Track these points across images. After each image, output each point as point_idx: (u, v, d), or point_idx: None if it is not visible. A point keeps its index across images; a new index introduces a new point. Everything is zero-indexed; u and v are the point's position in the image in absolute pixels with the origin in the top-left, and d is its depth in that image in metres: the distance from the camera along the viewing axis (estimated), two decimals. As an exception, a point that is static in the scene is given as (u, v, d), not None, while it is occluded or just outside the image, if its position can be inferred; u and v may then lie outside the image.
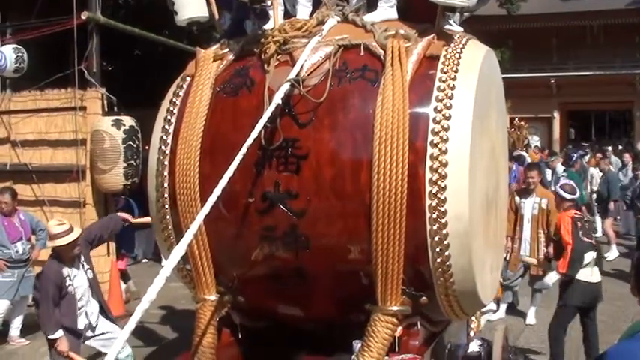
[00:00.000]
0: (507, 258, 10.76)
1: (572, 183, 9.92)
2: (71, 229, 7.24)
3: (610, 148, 25.02)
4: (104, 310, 7.75)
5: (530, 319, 11.12)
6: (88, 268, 7.62)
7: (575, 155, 20.32)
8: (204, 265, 5.11)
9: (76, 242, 7.29)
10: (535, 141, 34.76)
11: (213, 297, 5.17)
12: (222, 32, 5.97)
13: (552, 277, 9.13)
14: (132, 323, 3.86)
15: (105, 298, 8.16)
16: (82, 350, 7.49)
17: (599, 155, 22.30)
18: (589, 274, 8.74)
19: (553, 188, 17.72)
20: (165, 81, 5.82)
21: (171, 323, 10.54)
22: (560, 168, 19.43)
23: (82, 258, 7.59)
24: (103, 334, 7.65)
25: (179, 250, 3.99)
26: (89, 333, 7.62)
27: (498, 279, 6.51)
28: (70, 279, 7.32)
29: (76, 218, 11.25)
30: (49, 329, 7.17)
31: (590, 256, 8.77)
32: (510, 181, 13.92)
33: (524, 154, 23.26)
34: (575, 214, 9.10)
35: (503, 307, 11.44)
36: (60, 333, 7.15)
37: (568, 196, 9.17)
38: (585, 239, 8.78)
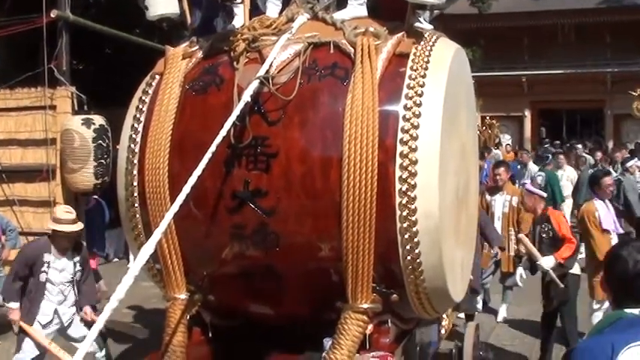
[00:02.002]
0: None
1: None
2: (76, 221, 7.45)
3: (581, 147, 25.14)
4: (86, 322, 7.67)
5: (502, 316, 11.16)
6: (79, 271, 7.63)
7: (550, 155, 20.35)
8: (174, 264, 5.08)
9: (74, 234, 7.43)
10: (506, 139, 34.99)
11: (183, 296, 5.13)
12: (192, 30, 5.94)
13: (549, 262, 8.69)
14: (101, 322, 3.86)
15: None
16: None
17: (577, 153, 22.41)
18: (577, 267, 8.94)
19: (526, 182, 17.85)
20: (136, 79, 5.77)
21: (142, 322, 10.49)
22: (533, 166, 19.45)
23: (79, 261, 7.62)
24: (75, 340, 7.61)
25: (148, 249, 3.98)
26: (54, 331, 7.59)
27: (469, 276, 6.53)
28: (47, 266, 7.37)
29: (47, 218, 11.10)
30: (5, 297, 7.59)
31: None
32: (482, 179, 13.95)
33: (498, 152, 23.38)
34: (552, 211, 9.10)
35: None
36: (13, 305, 7.40)
37: (543, 193, 9.17)
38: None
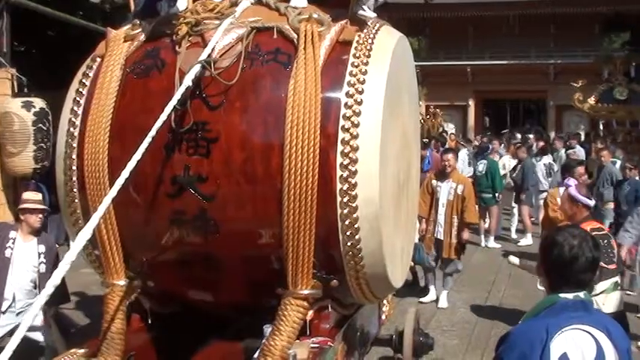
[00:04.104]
0: (422, 240, 10.96)
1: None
2: (41, 202, 7.59)
3: (532, 136, 25.52)
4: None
5: (443, 302, 11.27)
6: (43, 263, 7.48)
7: (491, 145, 20.57)
8: (113, 250, 5.01)
9: (40, 212, 7.49)
10: (450, 128, 35.35)
11: (122, 282, 5.07)
12: (134, 12, 5.86)
13: None
14: (36, 308, 3.78)
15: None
16: None
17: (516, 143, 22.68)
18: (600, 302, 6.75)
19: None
20: (79, 62, 5.69)
21: (81, 310, 10.37)
22: (462, 154, 19.64)
23: (44, 252, 7.52)
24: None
25: (85, 234, 3.92)
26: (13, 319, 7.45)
27: (409, 263, 6.59)
28: (13, 242, 7.33)
29: (-15, 203, 10.96)
30: None
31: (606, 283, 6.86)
32: (424, 167, 14.11)
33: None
34: (592, 228, 6.59)
35: (432, 288, 11.57)
36: None
37: (590, 202, 7.18)
38: (610, 267, 6.88)
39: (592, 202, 7.27)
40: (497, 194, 16.38)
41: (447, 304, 11.22)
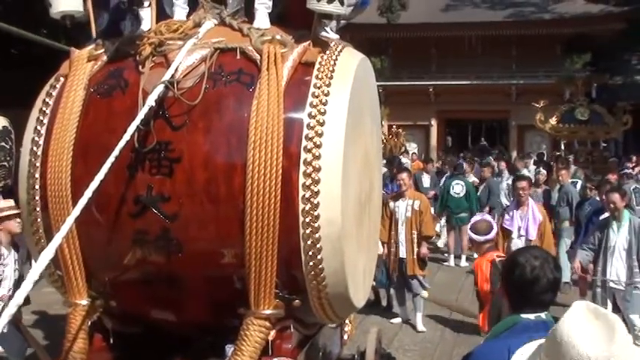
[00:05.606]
0: (386, 262, 10.98)
1: (487, 218, 8.14)
2: (17, 208, 7.24)
3: (492, 157, 25.71)
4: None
5: (420, 326, 11.12)
6: (17, 270, 7.45)
7: (465, 163, 20.75)
8: (75, 270, 5.00)
9: (17, 217, 7.23)
10: (413, 148, 35.43)
11: (84, 302, 5.06)
12: (98, 32, 5.86)
13: None
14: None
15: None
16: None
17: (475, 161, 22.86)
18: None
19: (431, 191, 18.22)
20: (42, 81, 5.67)
21: (43, 329, 10.25)
22: (425, 176, 19.80)
23: (18, 259, 7.49)
24: None
25: (47, 254, 3.91)
26: None
27: (371, 282, 6.62)
28: (3, 258, 7.27)
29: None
30: None
31: None
32: (394, 188, 14.13)
33: (407, 160, 23.68)
34: (498, 256, 7.41)
35: (398, 308, 11.57)
36: None
37: (480, 238, 7.51)
38: None
39: (482, 237, 7.47)
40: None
41: (424, 326, 11.11)
